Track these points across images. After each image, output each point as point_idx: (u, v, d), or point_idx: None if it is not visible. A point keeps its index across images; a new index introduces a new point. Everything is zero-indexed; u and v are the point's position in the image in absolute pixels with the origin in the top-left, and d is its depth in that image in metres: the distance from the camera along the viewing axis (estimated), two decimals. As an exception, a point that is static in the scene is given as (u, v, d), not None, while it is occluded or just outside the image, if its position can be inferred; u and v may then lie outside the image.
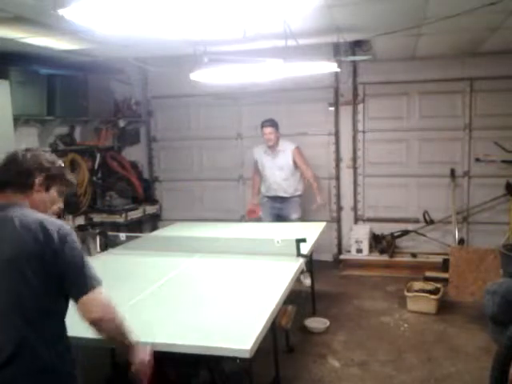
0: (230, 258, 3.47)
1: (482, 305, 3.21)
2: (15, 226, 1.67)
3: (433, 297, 4.44)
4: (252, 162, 5.62)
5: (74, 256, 1.72)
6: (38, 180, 1.81)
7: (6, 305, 1.64)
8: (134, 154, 6.67)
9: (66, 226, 1.78)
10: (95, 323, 1.71)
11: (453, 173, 5.79)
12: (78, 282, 1.72)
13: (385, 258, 5.78)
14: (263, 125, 5.27)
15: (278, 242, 3.45)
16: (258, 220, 5.42)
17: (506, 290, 2.59)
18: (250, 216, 5.50)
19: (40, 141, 5.24)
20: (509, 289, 2.65)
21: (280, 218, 5.37)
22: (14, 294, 1.64)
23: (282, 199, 5.35)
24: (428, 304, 4.43)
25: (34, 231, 1.67)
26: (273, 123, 5.25)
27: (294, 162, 5.28)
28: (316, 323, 4.20)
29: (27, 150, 1.86)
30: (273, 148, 5.29)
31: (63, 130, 5.54)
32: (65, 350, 1.75)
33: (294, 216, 5.31)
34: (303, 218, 5.41)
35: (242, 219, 6.20)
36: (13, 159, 1.82)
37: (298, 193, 5.38)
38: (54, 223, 1.73)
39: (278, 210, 5.40)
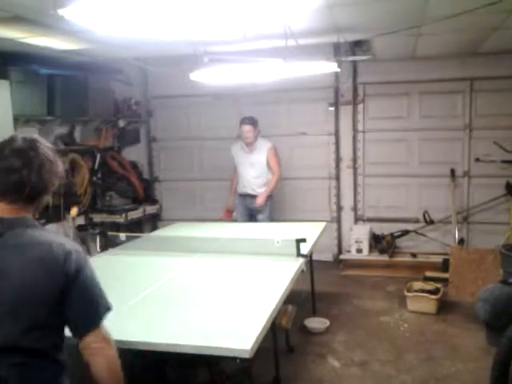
0: (230, 257, 3.47)
1: (476, 311, 3.18)
2: (27, 252, 1.51)
3: (433, 297, 4.44)
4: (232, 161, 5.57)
5: (87, 284, 1.57)
6: (52, 186, 1.61)
7: (10, 335, 1.50)
8: (134, 153, 6.68)
9: (80, 249, 1.60)
10: (108, 362, 1.59)
11: (453, 173, 5.79)
12: (88, 315, 1.58)
13: (385, 258, 5.78)
14: (242, 122, 5.24)
15: (277, 241, 3.45)
16: (234, 220, 5.42)
17: (496, 297, 2.58)
18: (225, 218, 5.47)
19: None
20: (499, 296, 2.65)
21: (252, 216, 5.37)
22: (22, 325, 1.50)
23: (252, 197, 5.33)
24: (428, 304, 4.43)
25: (49, 258, 1.51)
26: (252, 121, 5.22)
27: (268, 162, 5.27)
28: (316, 323, 4.20)
29: (33, 146, 1.56)
30: (250, 145, 5.28)
31: (63, 130, 5.55)
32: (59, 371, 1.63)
33: (261, 217, 5.30)
34: (272, 219, 5.39)
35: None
36: (28, 163, 1.52)
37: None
38: (67, 245, 1.56)
39: (249, 208, 5.39)
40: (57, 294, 1.52)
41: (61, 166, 1.66)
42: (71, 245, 1.59)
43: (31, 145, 1.56)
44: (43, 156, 1.57)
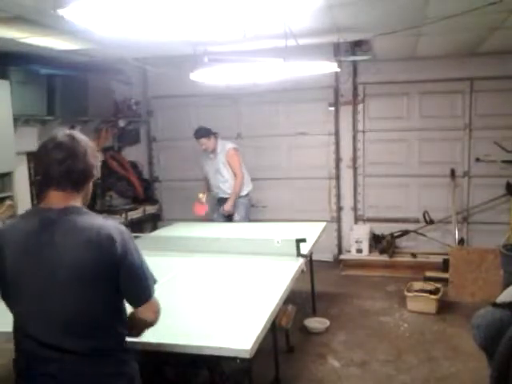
0: (230, 257, 3.47)
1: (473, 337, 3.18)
2: (77, 236, 1.64)
3: (433, 297, 4.44)
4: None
5: (135, 264, 1.71)
6: (95, 174, 1.76)
7: (74, 313, 1.66)
8: (134, 154, 6.68)
9: (125, 229, 1.74)
10: (150, 325, 1.82)
11: (453, 173, 5.79)
12: (140, 291, 1.75)
13: (385, 258, 5.77)
14: (195, 137, 5.26)
15: (278, 241, 3.45)
16: (210, 220, 5.42)
17: (488, 323, 2.56)
18: (196, 212, 5.42)
19: (40, 141, 5.23)
20: (491, 321, 2.63)
21: (229, 218, 5.36)
22: (83, 303, 1.66)
23: (225, 200, 5.33)
24: (428, 304, 4.43)
25: (97, 240, 1.63)
26: (203, 133, 5.22)
27: (228, 164, 5.28)
28: (316, 323, 4.20)
29: (73, 138, 1.70)
30: (213, 152, 5.31)
31: (63, 130, 5.54)
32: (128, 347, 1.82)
33: (237, 217, 5.30)
34: (249, 219, 5.40)
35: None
36: (73, 154, 1.67)
37: (242, 193, 5.35)
38: (113, 230, 1.68)
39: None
40: (106, 273, 1.66)
41: (98, 154, 1.82)
42: (117, 228, 1.71)
43: (70, 137, 1.71)
44: (84, 145, 1.72)
